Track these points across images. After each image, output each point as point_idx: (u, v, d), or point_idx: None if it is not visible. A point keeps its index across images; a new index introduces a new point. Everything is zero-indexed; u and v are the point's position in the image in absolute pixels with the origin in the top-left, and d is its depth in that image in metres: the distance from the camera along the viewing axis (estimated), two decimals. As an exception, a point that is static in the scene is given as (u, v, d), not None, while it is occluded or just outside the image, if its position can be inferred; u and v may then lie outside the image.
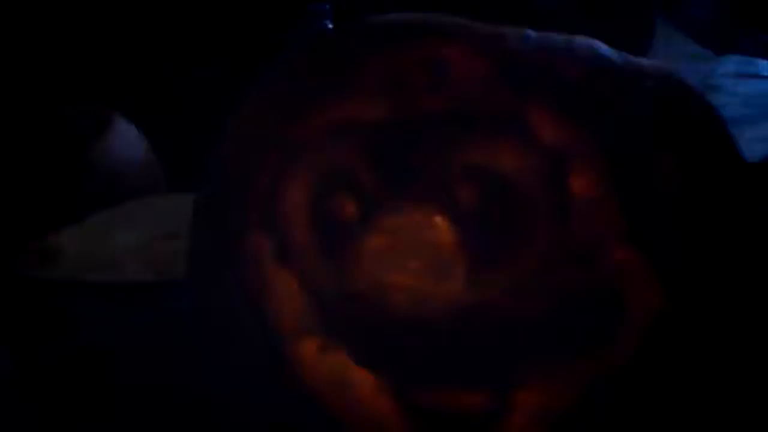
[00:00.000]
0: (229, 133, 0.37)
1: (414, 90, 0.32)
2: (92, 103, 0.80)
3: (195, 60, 0.97)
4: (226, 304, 0.34)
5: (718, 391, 0.33)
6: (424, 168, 0.31)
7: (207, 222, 0.35)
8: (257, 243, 0.33)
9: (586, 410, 0.31)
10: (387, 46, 0.34)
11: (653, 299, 0.31)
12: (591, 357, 0.30)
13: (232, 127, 0.37)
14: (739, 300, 0.33)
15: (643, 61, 0.34)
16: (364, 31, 0.36)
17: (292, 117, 0.34)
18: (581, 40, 0.34)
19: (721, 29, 0.81)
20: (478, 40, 0.33)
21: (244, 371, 0.34)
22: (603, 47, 0.34)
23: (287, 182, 0.33)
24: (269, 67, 0.38)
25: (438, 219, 0.31)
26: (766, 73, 0.71)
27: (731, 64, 0.73)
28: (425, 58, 0.33)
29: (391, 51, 0.34)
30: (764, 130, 0.63)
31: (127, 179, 0.75)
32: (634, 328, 0.31)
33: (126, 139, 0.77)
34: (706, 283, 0.32)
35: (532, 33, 0.34)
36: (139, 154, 0.76)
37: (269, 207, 0.33)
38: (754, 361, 0.34)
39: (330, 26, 0.72)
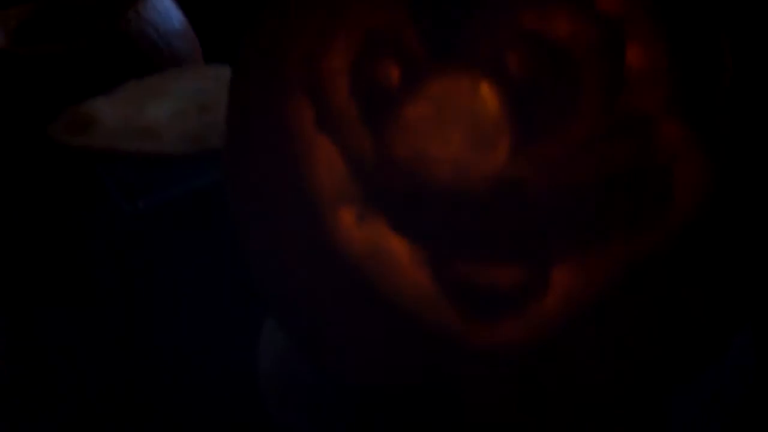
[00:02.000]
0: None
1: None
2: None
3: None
4: (265, 170, 0.33)
5: (760, 286, 0.32)
6: (473, 31, 0.30)
7: (247, 85, 0.34)
8: (298, 108, 0.32)
9: (621, 295, 0.30)
10: None
11: (701, 178, 0.29)
12: (631, 239, 0.29)
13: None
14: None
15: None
16: None
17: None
18: None
19: None
20: None
21: (282, 239, 0.34)
22: None
23: (328, 44, 0.32)
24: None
25: (485, 86, 0.30)
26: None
27: None
28: None
29: None
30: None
31: (162, 48, 0.73)
32: (680, 212, 0.29)
33: (162, 8, 0.75)
34: (757, 167, 0.30)
35: None
36: (174, 24, 0.74)
37: (310, 71, 0.32)
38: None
39: None
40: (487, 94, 0.30)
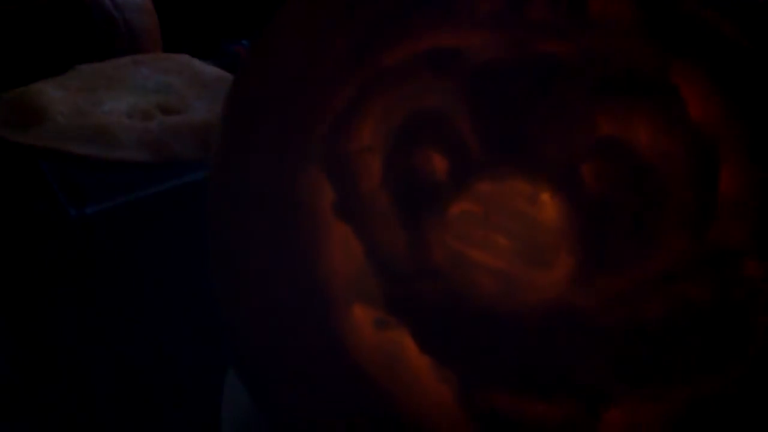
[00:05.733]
0: (289, 35, 0.30)
1: (539, 28, 0.26)
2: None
3: None
4: (269, 250, 0.28)
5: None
6: (540, 130, 0.25)
7: (256, 147, 0.29)
8: (315, 187, 0.27)
9: None
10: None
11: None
12: (698, 382, 0.25)
13: (294, 30, 0.29)
14: None
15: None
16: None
17: (379, 39, 0.27)
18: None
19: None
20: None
21: (279, 325, 0.29)
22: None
23: (361, 118, 0.27)
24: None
25: (546, 195, 0.25)
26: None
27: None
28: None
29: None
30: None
31: (117, 19, 0.67)
32: (749, 356, 0.26)
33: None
34: None
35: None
36: None
37: (334, 146, 0.27)
38: None
39: None
40: (549, 204, 0.25)
